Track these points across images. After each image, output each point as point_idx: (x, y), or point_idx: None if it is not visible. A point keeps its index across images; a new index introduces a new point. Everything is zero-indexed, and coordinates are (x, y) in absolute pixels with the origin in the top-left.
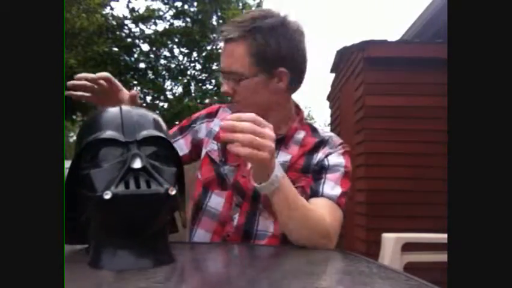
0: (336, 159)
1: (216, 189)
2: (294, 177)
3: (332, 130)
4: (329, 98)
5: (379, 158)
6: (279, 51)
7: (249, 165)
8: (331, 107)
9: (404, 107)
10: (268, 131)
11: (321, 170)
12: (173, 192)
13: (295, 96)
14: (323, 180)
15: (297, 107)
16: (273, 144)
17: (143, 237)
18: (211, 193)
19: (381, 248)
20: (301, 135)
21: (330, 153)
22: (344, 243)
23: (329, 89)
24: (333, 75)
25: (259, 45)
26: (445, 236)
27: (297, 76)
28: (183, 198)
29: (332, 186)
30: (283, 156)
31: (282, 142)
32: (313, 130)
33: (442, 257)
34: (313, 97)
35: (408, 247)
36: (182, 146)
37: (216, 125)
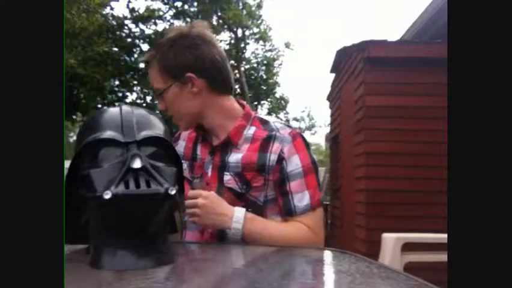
0: (292, 161)
1: None
2: (250, 177)
3: (332, 130)
4: (329, 98)
5: (379, 158)
6: (179, 60)
7: (210, 172)
8: (331, 107)
9: (404, 107)
10: (195, 200)
11: (283, 181)
12: (173, 192)
13: (297, 96)
14: (290, 196)
15: (241, 104)
16: (197, 210)
17: (143, 237)
18: None
19: (381, 248)
20: (251, 130)
21: (283, 152)
22: (344, 243)
23: (329, 89)
24: (333, 75)
25: (162, 60)
26: (445, 236)
27: (211, 77)
28: (182, 198)
29: (300, 198)
30: (235, 156)
31: (230, 143)
32: (264, 123)
33: (442, 257)
34: (314, 97)
35: (408, 247)
36: None
37: (181, 146)
